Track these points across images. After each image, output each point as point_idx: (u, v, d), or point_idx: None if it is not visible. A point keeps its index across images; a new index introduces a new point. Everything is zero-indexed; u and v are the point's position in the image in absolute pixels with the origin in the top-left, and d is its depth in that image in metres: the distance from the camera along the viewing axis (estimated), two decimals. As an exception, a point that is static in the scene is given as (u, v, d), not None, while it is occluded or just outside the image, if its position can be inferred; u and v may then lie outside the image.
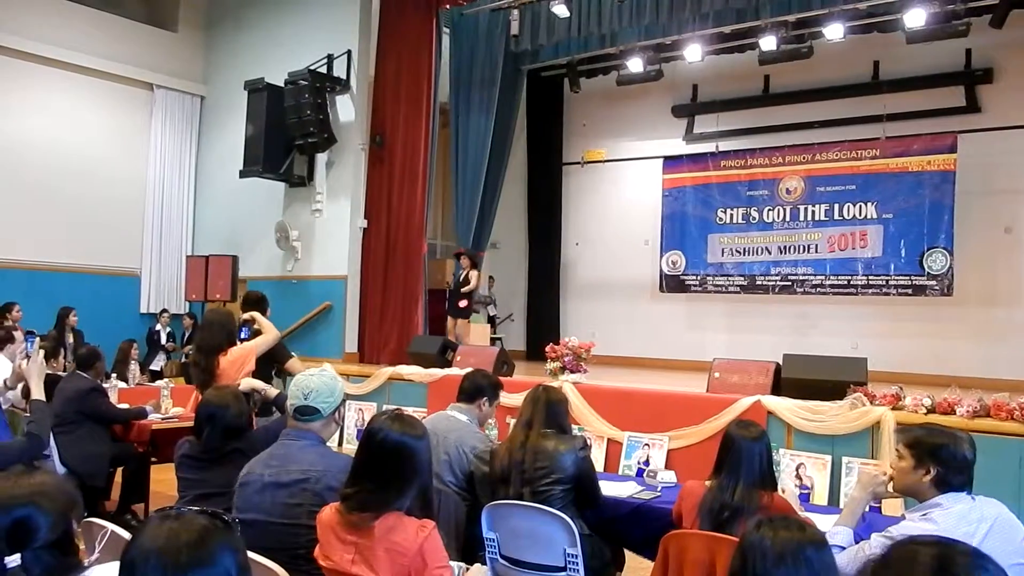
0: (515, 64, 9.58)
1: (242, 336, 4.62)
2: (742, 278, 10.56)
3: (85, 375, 5.29)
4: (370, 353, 8.83)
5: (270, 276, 9.57)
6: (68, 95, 9.93)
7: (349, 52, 9.20)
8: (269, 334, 4.68)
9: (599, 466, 4.97)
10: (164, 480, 5.08)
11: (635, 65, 9.80)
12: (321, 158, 9.34)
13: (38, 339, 4.13)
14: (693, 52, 9.35)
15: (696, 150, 11.08)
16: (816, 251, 10.06)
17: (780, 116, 10.52)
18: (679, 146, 11.30)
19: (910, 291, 9.45)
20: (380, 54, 9.23)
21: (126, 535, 2.14)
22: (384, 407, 6.18)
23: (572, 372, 5.95)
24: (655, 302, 11.32)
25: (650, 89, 10.79)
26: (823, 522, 2.84)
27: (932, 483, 2.46)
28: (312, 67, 9.01)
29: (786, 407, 4.88)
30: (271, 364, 5.09)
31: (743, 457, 2.90)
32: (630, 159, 11.78)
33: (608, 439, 5.30)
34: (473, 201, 9.21)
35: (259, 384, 4.17)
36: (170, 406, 5.80)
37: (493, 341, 10.26)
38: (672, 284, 11.08)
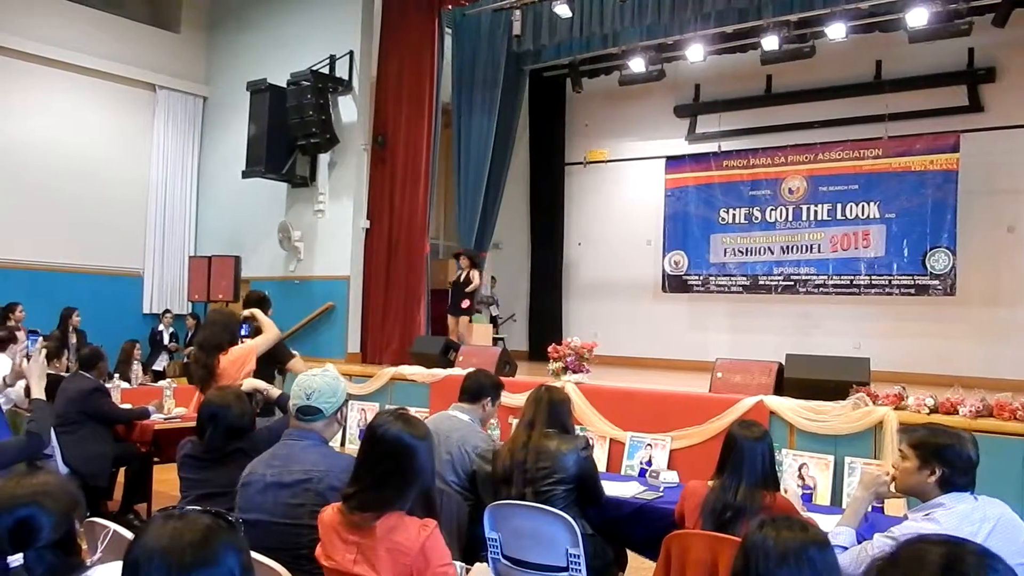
0: (517, 64, 9.60)
1: (242, 333, 4.61)
2: (744, 278, 10.55)
3: (88, 375, 5.30)
4: (372, 353, 8.84)
5: (273, 276, 9.58)
6: (70, 96, 9.94)
7: (351, 52, 9.21)
8: (270, 333, 4.67)
9: (601, 466, 4.97)
10: (167, 480, 5.08)
11: (637, 65, 9.81)
12: (323, 158, 9.35)
13: (40, 339, 4.14)
14: (695, 52, 9.35)
15: (698, 150, 11.07)
16: (819, 251, 10.04)
17: (782, 116, 10.51)
18: (681, 146, 11.29)
19: (913, 291, 9.43)
20: (382, 54, 9.24)
21: (128, 535, 2.15)
22: (386, 407, 6.18)
23: (574, 372, 5.95)
24: (657, 302, 11.31)
25: (652, 89, 10.79)
26: (825, 522, 2.84)
27: (937, 484, 2.45)
28: (314, 67, 9.01)
29: (789, 407, 4.88)
30: (273, 364, 5.10)
31: (745, 457, 2.90)
32: (632, 159, 11.78)
33: (611, 439, 5.31)
34: (475, 201, 9.22)
35: (261, 384, 4.16)
36: (172, 406, 5.80)
37: (495, 341, 10.26)
38: (674, 284, 11.06)
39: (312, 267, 9.43)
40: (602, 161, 12.09)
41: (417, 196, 8.79)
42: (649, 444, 5.11)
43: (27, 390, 3.67)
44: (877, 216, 9.67)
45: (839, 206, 9.91)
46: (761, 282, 10.44)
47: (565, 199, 12.32)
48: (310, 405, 2.67)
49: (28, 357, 3.61)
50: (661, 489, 4.03)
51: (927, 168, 9.32)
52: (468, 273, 9.02)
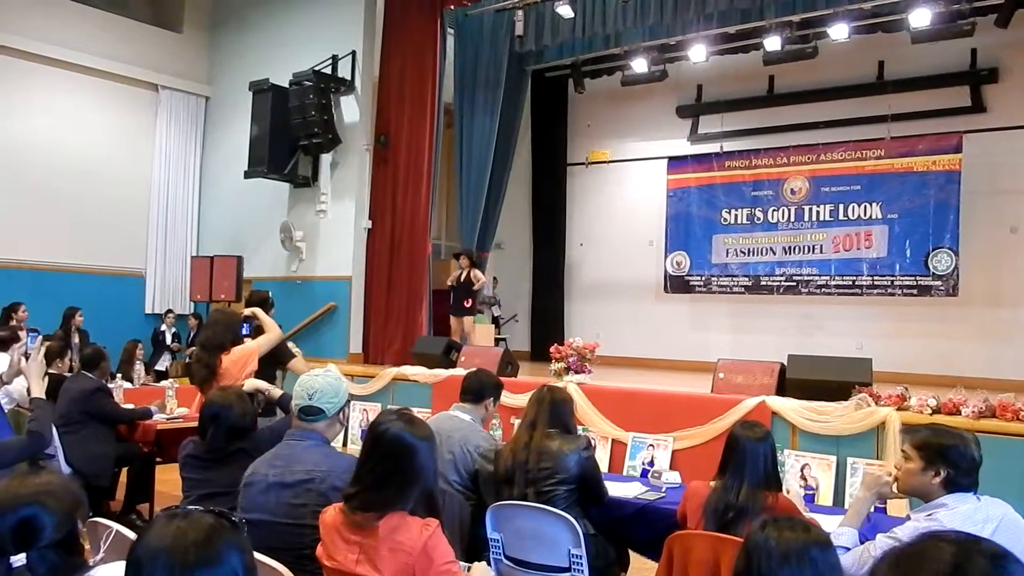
0: (519, 65, 9.60)
1: (243, 332, 4.62)
2: (747, 278, 10.54)
3: (90, 375, 5.30)
4: (374, 354, 8.84)
5: (275, 276, 9.59)
6: (72, 96, 9.95)
7: (353, 53, 9.21)
8: (272, 332, 4.68)
9: (603, 467, 4.96)
10: (169, 480, 5.09)
11: (639, 65, 9.81)
12: (325, 159, 9.34)
13: (40, 337, 4.14)
14: (697, 52, 9.35)
15: (700, 150, 11.06)
16: (821, 251, 10.03)
17: (785, 116, 10.50)
18: (683, 146, 11.28)
19: (915, 291, 9.42)
20: (385, 55, 9.24)
21: (131, 535, 2.15)
22: (388, 408, 6.18)
23: (576, 373, 5.95)
24: (659, 303, 11.31)
25: (654, 89, 10.78)
26: (828, 523, 2.84)
27: (941, 484, 2.45)
28: (317, 68, 9.02)
29: (791, 408, 4.88)
30: (275, 364, 5.10)
31: (747, 457, 2.90)
32: (634, 160, 11.77)
33: (612, 439, 5.30)
34: (477, 202, 9.22)
35: (263, 384, 4.17)
36: (175, 406, 5.81)
37: (497, 342, 10.26)
38: (676, 285, 11.06)
39: (314, 267, 9.43)
40: (604, 161, 12.08)
41: (419, 196, 8.79)
42: (651, 444, 5.10)
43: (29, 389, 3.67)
44: (879, 217, 9.66)
45: (841, 207, 9.90)
46: (763, 283, 10.43)
47: (567, 199, 12.32)
48: (312, 405, 2.67)
49: (27, 356, 3.61)
50: (663, 490, 4.02)
51: (930, 169, 9.31)
52: (468, 273, 9.01)
